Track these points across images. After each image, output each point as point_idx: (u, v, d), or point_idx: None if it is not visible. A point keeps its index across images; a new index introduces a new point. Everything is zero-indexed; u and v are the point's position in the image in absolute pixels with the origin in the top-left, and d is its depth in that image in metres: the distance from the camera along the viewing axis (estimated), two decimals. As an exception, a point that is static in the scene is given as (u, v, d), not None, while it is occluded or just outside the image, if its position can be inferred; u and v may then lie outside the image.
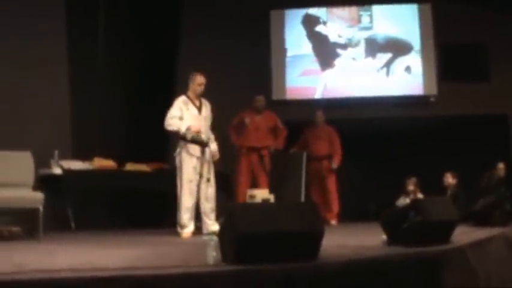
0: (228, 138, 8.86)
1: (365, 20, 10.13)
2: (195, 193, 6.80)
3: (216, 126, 7.42)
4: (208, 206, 6.86)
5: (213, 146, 7.04)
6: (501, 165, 9.10)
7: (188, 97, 7.00)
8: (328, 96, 10.94)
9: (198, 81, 6.95)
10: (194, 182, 6.80)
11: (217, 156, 7.02)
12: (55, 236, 6.71)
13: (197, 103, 7.01)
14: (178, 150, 6.97)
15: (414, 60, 10.56)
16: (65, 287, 3.18)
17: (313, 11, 10.41)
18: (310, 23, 10.50)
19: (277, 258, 3.77)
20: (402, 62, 10.45)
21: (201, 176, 6.81)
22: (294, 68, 10.54)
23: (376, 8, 10.48)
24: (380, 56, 10.41)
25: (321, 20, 10.45)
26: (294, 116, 10.45)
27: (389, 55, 10.46)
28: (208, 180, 6.80)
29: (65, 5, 9.04)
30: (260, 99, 9.04)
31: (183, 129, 6.74)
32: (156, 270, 3.58)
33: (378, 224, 5.37)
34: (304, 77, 10.44)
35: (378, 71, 10.59)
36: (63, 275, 3.34)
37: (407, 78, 11.04)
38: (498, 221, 7.49)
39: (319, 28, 10.39)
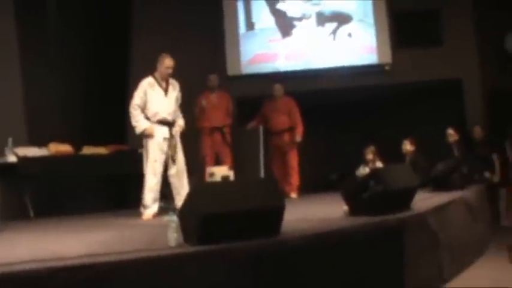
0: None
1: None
2: (159, 174, 6.68)
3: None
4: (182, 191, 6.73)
5: (180, 121, 6.98)
6: (450, 131, 9.23)
7: (155, 78, 6.84)
8: (289, 60, 11.27)
9: (166, 64, 6.79)
10: (159, 162, 6.68)
11: (182, 127, 6.96)
12: (14, 226, 6.59)
13: (164, 84, 6.85)
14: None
15: (355, 27, 11.32)
16: (27, 278, 3.12)
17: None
18: (272, 1, 11.39)
19: (240, 237, 3.77)
20: (345, 29, 11.30)
21: (170, 159, 6.72)
22: (263, 38, 11.37)
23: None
24: (327, 26, 11.34)
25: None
26: (251, 91, 10.44)
27: (334, 24, 11.32)
28: (173, 160, 6.70)
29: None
30: (213, 78, 9.01)
31: (139, 130, 6.71)
32: (119, 255, 3.53)
33: (340, 194, 5.40)
34: (270, 43, 11.32)
35: (328, 35, 11.33)
36: (24, 266, 3.26)
37: (360, 46, 11.20)
38: (456, 185, 7.61)
39: (279, 5, 11.37)
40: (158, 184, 6.67)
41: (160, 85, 6.82)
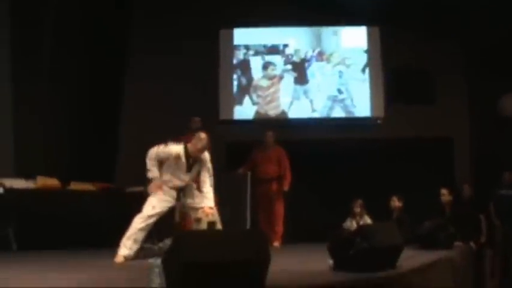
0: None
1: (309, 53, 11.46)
2: (149, 221, 6.40)
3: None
4: None
5: (206, 201, 6.60)
6: (443, 191, 9.17)
7: (186, 151, 6.52)
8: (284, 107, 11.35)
9: (199, 146, 6.48)
10: (156, 210, 6.43)
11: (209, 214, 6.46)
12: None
13: (191, 161, 6.56)
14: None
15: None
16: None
17: (269, 58, 11.46)
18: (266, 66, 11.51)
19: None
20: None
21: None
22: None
23: (324, 34, 11.49)
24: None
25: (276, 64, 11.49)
26: (242, 136, 10.46)
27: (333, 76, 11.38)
28: (212, 224, 6.35)
29: (9, 14, 8.86)
30: (196, 121, 8.90)
31: (150, 176, 6.43)
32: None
33: (324, 245, 5.37)
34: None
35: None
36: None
37: (356, 99, 11.27)
38: (442, 244, 7.58)
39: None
40: (143, 230, 6.41)
41: (187, 161, 6.54)
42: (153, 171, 6.48)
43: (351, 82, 11.34)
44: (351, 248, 4.97)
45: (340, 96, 11.32)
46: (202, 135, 6.57)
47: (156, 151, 6.49)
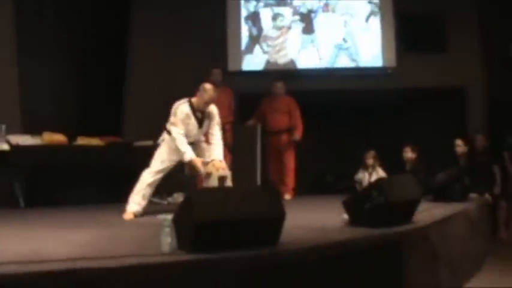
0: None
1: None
2: (158, 176, 6.33)
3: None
4: None
5: (215, 154, 6.46)
6: (458, 142, 8.97)
7: (192, 107, 6.33)
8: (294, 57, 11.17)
9: (206, 98, 6.26)
10: (165, 165, 6.34)
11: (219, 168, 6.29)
12: (2, 215, 6.45)
13: (200, 115, 6.39)
14: (164, 137, 6.51)
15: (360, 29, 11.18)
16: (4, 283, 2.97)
17: (278, 10, 11.32)
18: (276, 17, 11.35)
19: (237, 246, 3.61)
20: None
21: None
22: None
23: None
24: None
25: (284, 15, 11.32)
26: (251, 87, 10.27)
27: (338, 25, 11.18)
28: (223, 178, 6.19)
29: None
30: (216, 73, 8.68)
31: (187, 158, 6.21)
32: (107, 261, 3.37)
33: (335, 197, 5.27)
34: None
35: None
36: (2, 270, 3.10)
37: (366, 48, 11.02)
38: (457, 195, 7.46)
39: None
40: (152, 185, 6.34)
41: (196, 116, 6.36)
42: (188, 152, 6.22)
43: (355, 31, 11.11)
44: (366, 202, 4.84)
45: (345, 45, 11.10)
46: (207, 86, 6.35)
47: (178, 128, 6.25)
